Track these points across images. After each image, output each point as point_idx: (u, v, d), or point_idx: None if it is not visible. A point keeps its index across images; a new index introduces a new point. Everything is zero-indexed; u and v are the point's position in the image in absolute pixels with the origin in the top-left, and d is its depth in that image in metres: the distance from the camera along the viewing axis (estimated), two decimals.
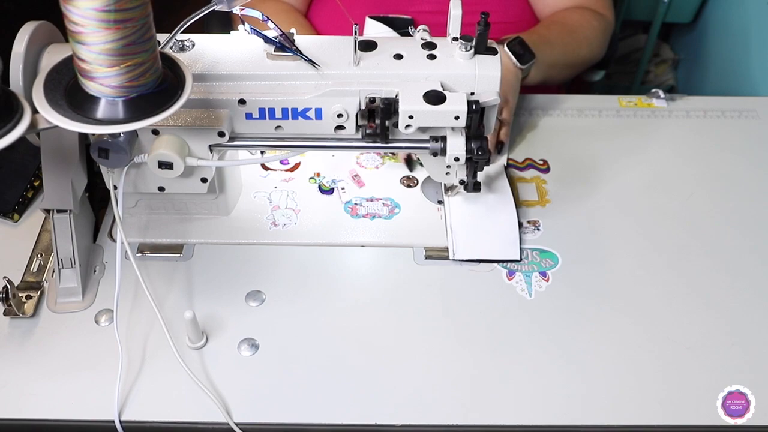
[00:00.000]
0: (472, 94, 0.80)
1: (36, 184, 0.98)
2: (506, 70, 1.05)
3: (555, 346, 0.83)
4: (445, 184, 0.94)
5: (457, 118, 0.78)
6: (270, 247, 0.92)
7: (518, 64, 1.06)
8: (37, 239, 0.92)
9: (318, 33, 1.20)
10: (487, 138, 0.82)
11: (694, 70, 1.71)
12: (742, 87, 1.43)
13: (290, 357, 0.81)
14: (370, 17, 1.12)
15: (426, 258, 0.91)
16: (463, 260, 0.90)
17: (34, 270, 0.89)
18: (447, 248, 0.92)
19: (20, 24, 0.78)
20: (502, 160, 1.03)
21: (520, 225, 0.95)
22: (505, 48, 1.06)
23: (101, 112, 0.65)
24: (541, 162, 1.05)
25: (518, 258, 0.91)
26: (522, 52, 1.07)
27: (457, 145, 0.80)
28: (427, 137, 0.82)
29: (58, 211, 0.84)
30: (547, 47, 1.12)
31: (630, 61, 1.81)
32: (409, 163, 1.03)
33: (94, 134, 0.79)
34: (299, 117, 0.81)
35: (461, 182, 0.88)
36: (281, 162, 1.03)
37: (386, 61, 0.81)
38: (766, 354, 0.83)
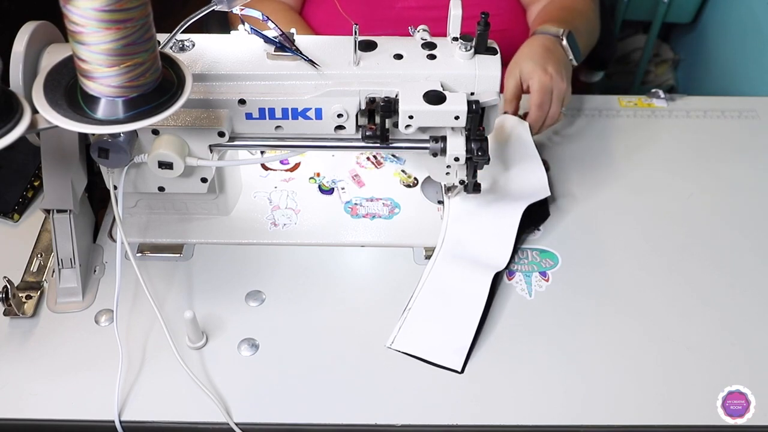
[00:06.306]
0: (472, 94, 0.80)
1: (36, 184, 0.98)
2: (564, 66, 1.00)
3: (555, 346, 0.83)
4: (445, 184, 0.94)
5: (457, 118, 0.78)
6: (270, 247, 0.92)
7: (575, 60, 1.02)
8: (37, 239, 0.92)
9: (313, 32, 1.19)
10: (487, 138, 0.82)
11: (694, 70, 1.71)
12: (742, 87, 1.43)
13: (290, 357, 0.81)
14: None
15: (426, 258, 0.91)
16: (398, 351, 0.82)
17: (34, 270, 0.89)
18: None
19: (20, 24, 0.78)
20: (501, 263, 0.90)
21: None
22: (565, 42, 1.01)
23: (101, 112, 0.65)
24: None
25: (459, 370, 0.80)
26: (575, 47, 1.03)
27: (457, 145, 0.80)
28: (427, 137, 0.82)
29: (58, 211, 0.84)
30: (579, 19, 1.06)
31: (630, 61, 1.81)
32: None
33: (94, 134, 0.79)
34: (299, 117, 0.81)
35: (461, 182, 0.88)
36: (281, 162, 1.03)
37: (386, 61, 0.81)
38: (766, 354, 0.83)
